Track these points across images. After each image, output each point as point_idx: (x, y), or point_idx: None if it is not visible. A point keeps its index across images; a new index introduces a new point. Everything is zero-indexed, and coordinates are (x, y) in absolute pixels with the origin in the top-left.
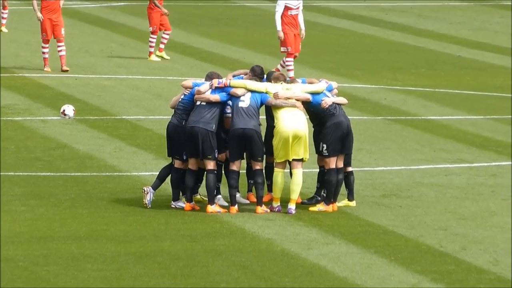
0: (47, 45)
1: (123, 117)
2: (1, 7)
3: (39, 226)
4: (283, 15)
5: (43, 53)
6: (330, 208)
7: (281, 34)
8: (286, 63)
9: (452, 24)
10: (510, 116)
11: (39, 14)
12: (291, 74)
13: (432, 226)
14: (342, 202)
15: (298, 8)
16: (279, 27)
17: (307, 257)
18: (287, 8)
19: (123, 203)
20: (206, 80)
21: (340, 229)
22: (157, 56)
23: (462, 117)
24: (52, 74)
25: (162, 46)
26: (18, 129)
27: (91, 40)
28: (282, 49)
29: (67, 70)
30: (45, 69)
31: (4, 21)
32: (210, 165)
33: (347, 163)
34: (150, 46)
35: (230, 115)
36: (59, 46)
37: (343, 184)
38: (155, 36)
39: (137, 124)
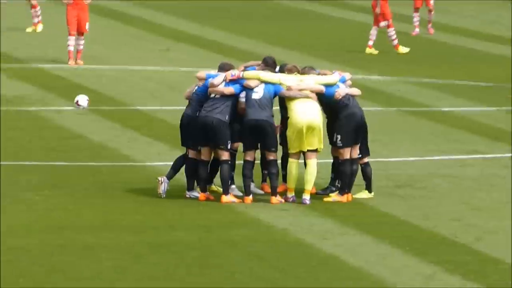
0: (72, 38)
1: (137, 108)
2: (30, 7)
3: (54, 216)
4: None
5: (68, 45)
6: (344, 198)
7: None
8: None
9: (466, 18)
10: None
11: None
12: None
13: (446, 216)
14: (362, 194)
15: None
16: None
17: (322, 248)
18: None
19: (138, 193)
20: (218, 71)
21: (354, 220)
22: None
23: (477, 108)
24: (65, 65)
25: (395, 41)
26: (33, 119)
27: (105, 33)
28: None
29: (80, 64)
30: (69, 62)
31: (36, 20)
32: (224, 155)
33: (364, 153)
34: (394, 39)
35: (243, 99)
36: (79, 40)
37: (361, 175)
38: (392, 29)
39: (150, 115)
